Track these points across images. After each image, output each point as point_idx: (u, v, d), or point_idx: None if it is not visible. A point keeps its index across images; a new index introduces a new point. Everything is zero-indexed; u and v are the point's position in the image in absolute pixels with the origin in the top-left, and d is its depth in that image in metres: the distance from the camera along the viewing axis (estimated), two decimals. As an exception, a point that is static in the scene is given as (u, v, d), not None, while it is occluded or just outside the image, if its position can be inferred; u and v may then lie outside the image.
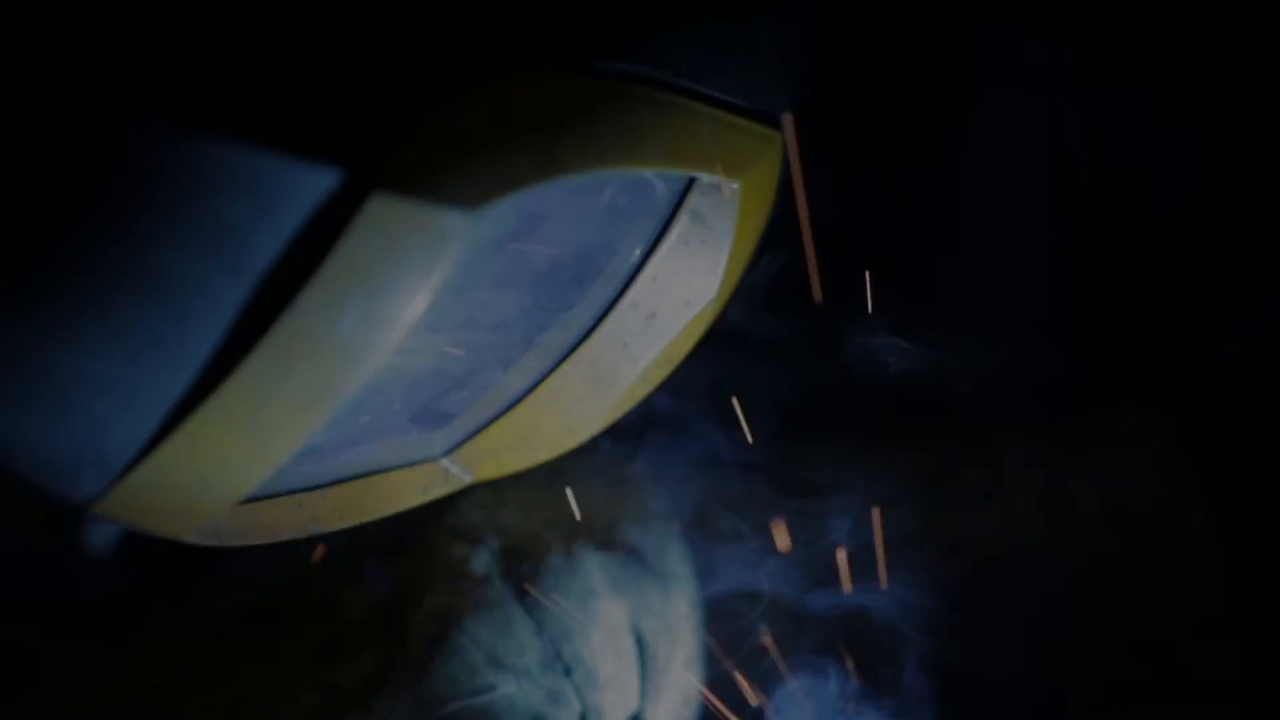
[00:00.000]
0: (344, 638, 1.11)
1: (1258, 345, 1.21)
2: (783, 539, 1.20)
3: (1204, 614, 1.17)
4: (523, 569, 1.16)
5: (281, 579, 1.13)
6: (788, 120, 0.96)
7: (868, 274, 1.22)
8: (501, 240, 0.92)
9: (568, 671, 1.14)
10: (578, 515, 1.19)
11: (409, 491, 1.02)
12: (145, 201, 0.75)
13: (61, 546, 1.09)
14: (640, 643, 1.17)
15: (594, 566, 1.17)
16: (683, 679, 1.18)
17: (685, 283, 1.01)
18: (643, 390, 1.04)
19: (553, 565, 1.16)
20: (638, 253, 1.01)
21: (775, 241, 1.06)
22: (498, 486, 1.10)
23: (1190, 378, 1.24)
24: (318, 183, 0.75)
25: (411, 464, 1.02)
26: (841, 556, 1.19)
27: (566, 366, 1.02)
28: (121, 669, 1.09)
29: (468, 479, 1.04)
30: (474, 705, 1.10)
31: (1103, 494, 1.21)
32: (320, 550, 1.10)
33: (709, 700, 1.19)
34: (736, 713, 1.19)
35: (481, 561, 1.15)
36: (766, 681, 1.18)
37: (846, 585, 1.18)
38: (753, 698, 1.19)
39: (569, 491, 1.19)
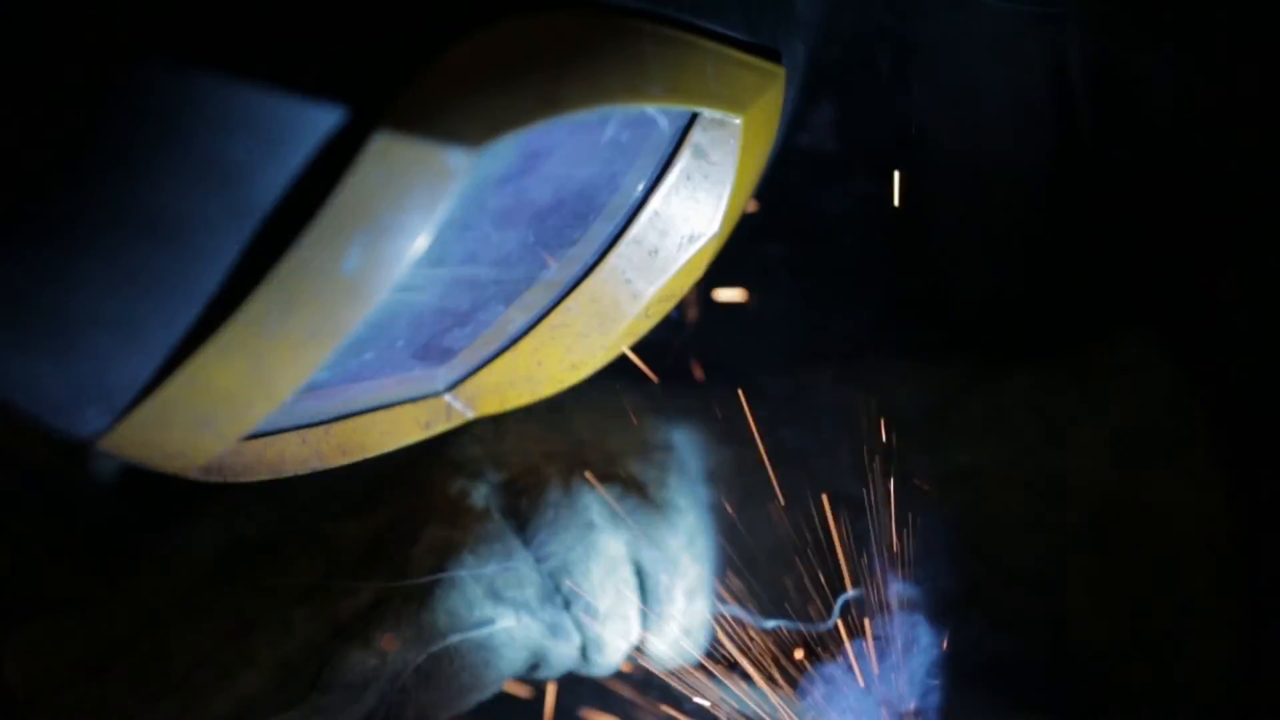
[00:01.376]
0: (343, 570, 1.12)
1: (1259, 272, 1.21)
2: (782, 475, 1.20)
3: (1206, 541, 1.18)
4: (522, 502, 1.16)
5: (280, 511, 1.13)
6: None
7: (867, 204, 1.22)
8: (504, 177, 0.92)
9: (567, 604, 1.15)
10: (577, 447, 1.19)
11: (412, 427, 1.02)
12: (148, 140, 0.74)
13: (63, 477, 1.09)
14: (640, 574, 1.18)
15: (593, 499, 1.17)
16: (683, 609, 1.19)
17: (687, 218, 1.00)
18: (645, 325, 1.04)
19: (552, 498, 1.16)
20: (640, 188, 1.00)
21: (777, 174, 1.06)
22: (497, 420, 1.10)
23: (1191, 305, 1.24)
24: (321, 121, 0.75)
25: (414, 400, 1.02)
26: (843, 486, 1.20)
27: (569, 302, 1.02)
28: (122, 599, 1.09)
29: (470, 415, 1.04)
30: (473, 638, 1.11)
31: (1104, 422, 1.21)
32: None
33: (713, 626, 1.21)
34: (738, 642, 1.20)
35: (481, 495, 1.16)
36: (769, 613, 1.19)
37: (848, 518, 1.19)
38: (754, 629, 1.19)
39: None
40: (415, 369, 1.02)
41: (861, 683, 1.14)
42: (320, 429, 0.97)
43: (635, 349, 1.07)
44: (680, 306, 1.07)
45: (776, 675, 1.17)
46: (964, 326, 1.29)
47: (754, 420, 1.22)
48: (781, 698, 1.17)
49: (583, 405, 1.14)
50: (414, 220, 0.79)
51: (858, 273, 1.20)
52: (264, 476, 0.95)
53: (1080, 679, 1.21)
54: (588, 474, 1.18)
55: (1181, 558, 1.18)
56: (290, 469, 0.96)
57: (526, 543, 1.15)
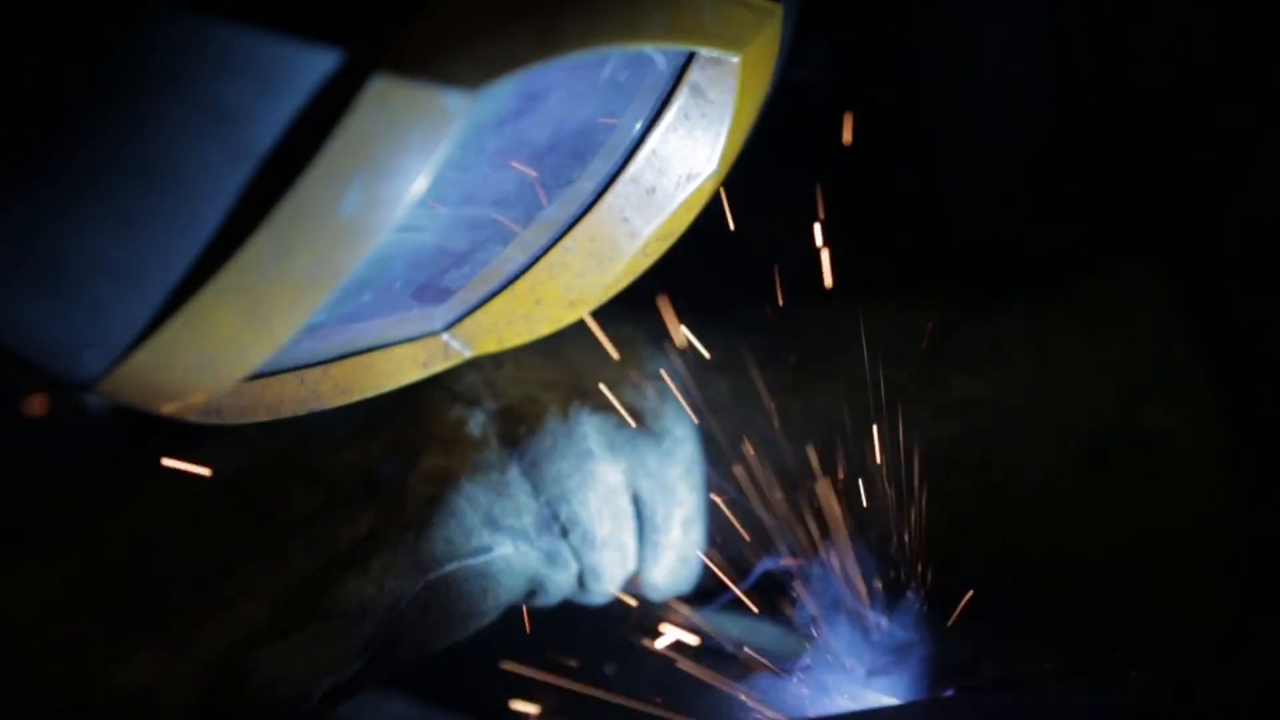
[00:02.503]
0: (340, 500, 1.12)
1: (1259, 204, 1.21)
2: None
3: (1204, 469, 1.19)
4: (519, 430, 1.16)
5: (277, 441, 1.14)
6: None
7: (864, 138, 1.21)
8: (502, 118, 0.92)
9: (565, 533, 1.15)
10: (575, 376, 1.19)
11: (410, 366, 1.03)
12: (145, 83, 0.74)
13: (61, 409, 1.10)
14: (637, 503, 1.19)
15: (590, 428, 1.18)
16: (680, 539, 1.20)
17: (685, 157, 1.00)
18: (643, 264, 1.05)
19: (549, 427, 1.17)
20: (638, 127, 1.00)
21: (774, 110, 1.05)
22: (497, 349, 1.11)
23: (1191, 237, 1.24)
24: (318, 64, 0.75)
25: (412, 339, 1.03)
26: (840, 417, 1.20)
27: (566, 241, 1.03)
28: (120, 529, 1.10)
29: (468, 354, 1.05)
30: (471, 566, 1.12)
31: (1101, 353, 1.21)
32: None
33: (707, 561, 1.21)
34: (736, 570, 1.21)
35: (478, 423, 1.16)
36: (765, 542, 1.20)
37: (846, 448, 1.19)
38: (751, 557, 1.20)
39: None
40: (413, 309, 1.02)
41: (855, 615, 1.15)
42: (319, 369, 0.97)
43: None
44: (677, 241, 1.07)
45: (767, 605, 1.18)
46: (961, 258, 1.29)
47: (751, 351, 1.23)
48: (777, 626, 1.18)
49: (581, 335, 1.14)
50: (412, 162, 0.79)
51: (854, 206, 1.20)
52: (262, 418, 0.95)
53: (1078, 608, 1.22)
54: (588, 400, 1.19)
55: (1180, 487, 1.19)
56: (288, 410, 0.97)
57: (524, 471, 1.15)
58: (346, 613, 1.07)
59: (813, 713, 1.12)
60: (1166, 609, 1.19)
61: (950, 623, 1.13)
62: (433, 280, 1.01)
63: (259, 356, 0.83)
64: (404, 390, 1.05)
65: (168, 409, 0.86)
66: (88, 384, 0.82)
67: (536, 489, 1.15)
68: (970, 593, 1.15)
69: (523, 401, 1.17)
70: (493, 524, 1.13)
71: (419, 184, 0.80)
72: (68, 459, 1.13)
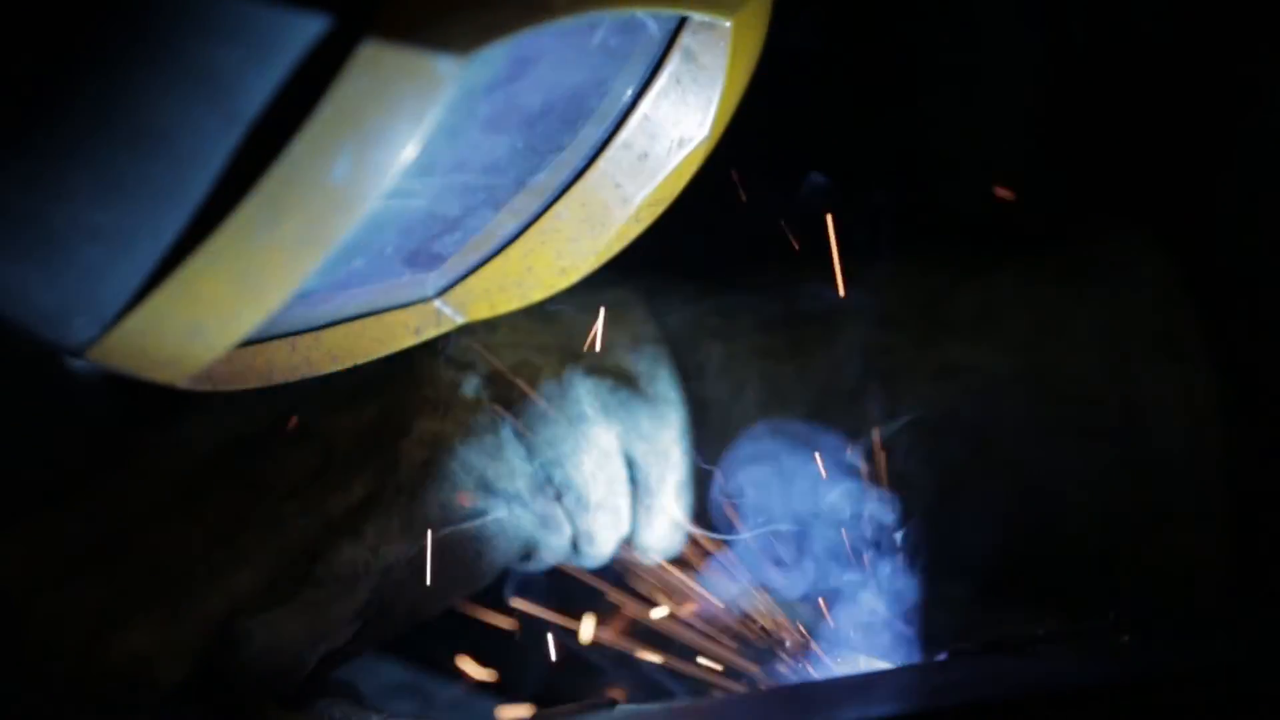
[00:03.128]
0: (334, 464, 1.12)
1: (1253, 169, 1.20)
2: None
3: (1195, 438, 1.19)
4: (513, 394, 1.16)
5: (271, 407, 1.14)
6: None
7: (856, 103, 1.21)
8: (493, 84, 0.92)
9: (559, 496, 1.16)
10: (569, 340, 1.19)
11: (402, 333, 1.03)
12: (134, 47, 0.74)
13: (56, 375, 1.10)
14: (631, 467, 1.19)
15: (584, 391, 1.18)
16: (673, 502, 1.20)
17: (677, 122, 1.00)
18: (635, 230, 1.04)
19: (543, 391, 1.17)
20: (629, 93, 1.00)
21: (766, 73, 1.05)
22: (489, 314, 1.10)
23: (1184, 200, 1.24)
24: (308, 29, 0.75)
25: (404, 306, 1.02)
26: (832, 381, 1.20)
27: (558, 207, 1.02)
28: (115, 497, 1.10)
29: (460, 320, 1.05)
30: (465, 530, 1.12)
31: (1094, 318, 1.21)
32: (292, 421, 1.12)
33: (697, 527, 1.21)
34: (730, 533, 1.21)
35: (472, 386, 1.16)
36: (756, 510, 1.20)
37: (839, 412, 1.19)
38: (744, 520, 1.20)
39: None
40: (405, 275, 1.02)
41: (847, 579, 1.15)
42: (310, 336, 0.97)
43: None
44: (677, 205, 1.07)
45: (759, 568, 1.18)
46: (954, 223, 1.28)
47: (745, 315, 1.23)
48: (769, 590, 1.19)
49: (576, 299, 1.14)
50: (403, 128, 0.79)
51: (846, 170, 1.20)
52: (254, 384, 0.95)
53: (1071, 572, 1.22)
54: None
55: (1173, 451, 1.19)
56: (280, 376, 0.97)
57: (518, 435, 1.15)
58: (341, 578, 1.07)
59: (805, 677, 1.13)
60: (1159, 573, 1.19)
61: (942, 587, 1.13)
62: (424, 246, 1.01)
63: (250, 323, 0.83)
64: (397, 355, 1.05)
65: (159, 376, 0.86)
66: (79, 350, 0.82)
67: (530, 453, 1.15)
68: (963, 557, 1.15)
69: (516, 365, 1.17)
70: (487, 488, 1.13)
71: (409, 150, 0.80)
72: (63, 427, 1.13)
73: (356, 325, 1.00)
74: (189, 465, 1.12)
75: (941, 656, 1.08)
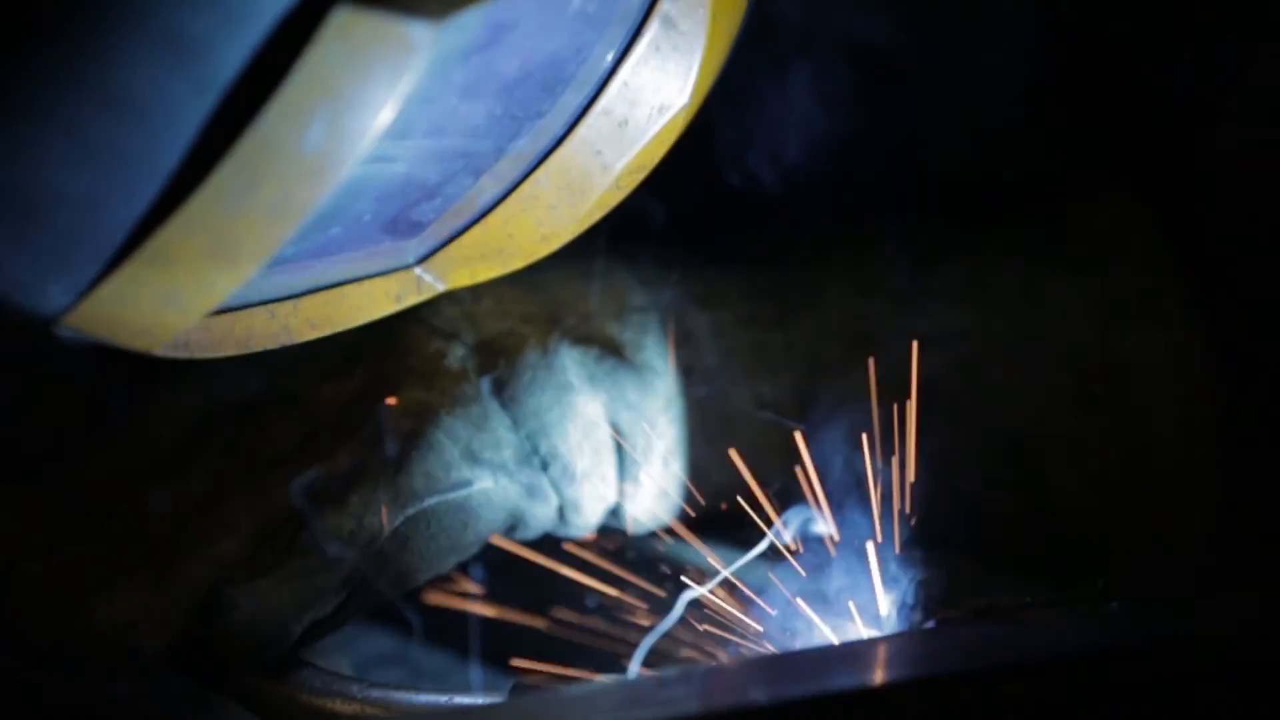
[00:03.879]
0: (319, 434, 1.12)
1: (1243, 133, 1.20)
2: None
3: (1183, 405, 1.19)
4: (499, 363, 1.16)
5: (256, 376, 1.14)
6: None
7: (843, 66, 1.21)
8: (469, 50, 0.91)
9: (544, 466, 1.15)
10: (555, 309, 1.19)
11: (382, 300, 1.02)
12: (106, 13, 0.74)
13: (42, 343, 1.09)
14: (618, 436, 1.18)
15: (570, 361, 1.18)
16: (661, 472, 1.20)
17: (657, 89, 1.00)
18: (616, 197, 1.04)
19: (529, 360, 1.17)
20: (609, 59, 0.99)
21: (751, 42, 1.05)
22: (473, 283, 1.10)
23: (1170, 168, 1.23)
24: (280, -5, 0.75)
25: (384, 273, 1.02)
26: (821, 350, 1.20)
27: (538, 174, 1.02)
28: (97, 464, 1.10)
29: (441, 287, 1.04)
30: (450, 501, 1.12)
31: (1082, 286, 1.21)
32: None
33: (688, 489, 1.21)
34: (717, 503, 1.21)
35: (457, 357, 1.16)
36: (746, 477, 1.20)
37: (827, 381, 1.19)
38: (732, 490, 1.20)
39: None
40: (384, 242, 1.02)
41: (835, 547, 1.15)
42: (289, 303, 0.97)
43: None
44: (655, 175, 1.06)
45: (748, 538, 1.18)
46: (942, 190, 1.28)
47: (732, 284, 1.23)
48: (758, 559, 1.18)
49: (560, 267, 1.14)
50: (377, 95, 0.78)
51: (832, 139, 1.20)
52: (232, 352, 0.95)
53: (1059, 539, 1.22)
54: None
55: (1161, 417, 1.19)
56: (259, 344, 0.96)
57: (503, 404, 1.15)
58: (325, 548, 1.07)
59: (793, 645, 1.12)
60: (1147, 540, 1.19)
61: (931, 555, 1.13)
62: (403, 213, 1.01)
63: (225, 290, 0.83)
64: (382, 324, 1.05)
65: (135, 343, 0.86)
66: (53, 318, 0.82)
67: (516, 422, 1.15)
68: (950, 525, 1.15)
69: (502, 335, 1.17)
70: (472, 458, 1.13)
71: (384, 116, 0.79)
72: (48, 394, 1.13)
73: (336, 293, 1.00)
74: (174, 433, 1.12)
75: (929, 624, 1.08)
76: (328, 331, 1.00)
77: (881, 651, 1.01)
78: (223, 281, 0.82)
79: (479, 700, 1.05)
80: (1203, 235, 1.19)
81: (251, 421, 1.13)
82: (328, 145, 0.78)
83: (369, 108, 0.79)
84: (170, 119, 0.76)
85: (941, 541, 1.14)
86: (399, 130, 0.86)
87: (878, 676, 0.91)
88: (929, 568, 1.12)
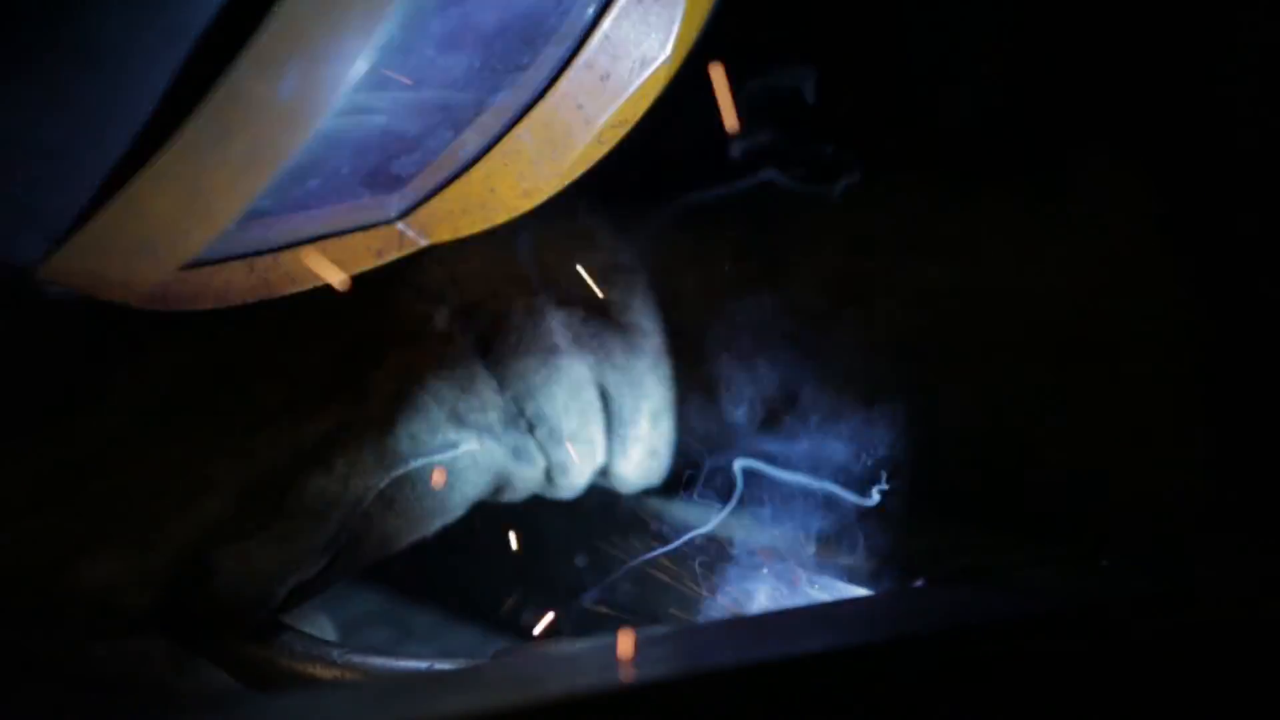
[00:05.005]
0: (305, 395, 1.12)
1: (1232, 89, 1.20)
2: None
3: (1172, 361, 1.18)
4: (485, 325, 1.16)
5: (243, 336, 1.13)
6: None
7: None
8: (445, 0, 0.91)
9: (531, 428, 1.15)
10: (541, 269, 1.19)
11: (364, 254, 1.02)
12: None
13: (26, 305, 1.09)
14: (605, 397, 1.18)
15: (556, 322, 1.17)
16: (648, 432, 1.19)
17: (639, 43, 0.99)
18: (598, 152, 1.04)
19: (515, 322, 1.16)
20: (590, 12, 0.99)
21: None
22: (459, 242, 1.09)
23: (1161, 126, 1.23)
24: (253, -57, 0.74)
25: (365, 228, 1.02)
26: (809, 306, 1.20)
27: (520, 129, 1.01)
28: (82, 424, 1.10)
29: (423, 242, 1.04)
30: (436, 462, 1.11)
31: (1072, 242, 1.21)
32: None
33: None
34: (706, 461, 1.20)
35: (443, 319, 1.15)
36: (734, 434, 1.20)
37: (815, 337, 1.19)
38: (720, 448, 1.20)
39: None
40: (364, 197, 1.01)
41: (825, 507, 1.14)
42: (268, 257, 0.97)
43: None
44: (643, 128, 1.06)
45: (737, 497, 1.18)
46: (932, 147, 1.28)
47: (720, 241, 1.22)
48: (747, 518, 1.18)
49: (547, 229, 1.14)
50: (350, 44, 0.78)
51: (822, 96, 1.19)
52: (210, 305, 0.95)
53: (1048, 497, 1.22)
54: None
55: (1150, 374, 1.18)
56: (237, 297, 0.96)
57: (490, 366, 1.15)
58: (310, 510, 1.07)
59: (783, 604, 1.12)
60: (1136, 496, 1.19)
61: (919, 514, 1.13)
62: (382, 167, 1.00)
63: (200, 241, 0.83)
64: (368, 285, 1.05)
65: (111, 294, 0.85)
66: (28, 268, 0.81)
67: (502, 384, 1.15)
68: (939, 482, 1.14)
69: (488, 296, 1.17)
70: (458, 420, 1.12)
71: (358, 66, 0.79)
72: (32, 356, 1.13)
73: (316, 247, 0.99)
74: (159, 395, 1.12)
75: (918, 583, 1.08)
76: (308, 286, 1.00)
77: (870, 610, 1.01)
78: (198, 233, 0.82)
79: (459, 666, 1.04)
80: (1194, 192, 1.19)
81: (236, 383, 1.12)
82: (301, 96, 0.78)
83: (342, 57, 0.78)
84: (142, 69, 0.76)
85: (927, 499, 1.14)
86: (376, 81, 0.86)
87: (866, 635, 0.90)
88: (917, 526, 1.12)
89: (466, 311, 1.16)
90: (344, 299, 1.05)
